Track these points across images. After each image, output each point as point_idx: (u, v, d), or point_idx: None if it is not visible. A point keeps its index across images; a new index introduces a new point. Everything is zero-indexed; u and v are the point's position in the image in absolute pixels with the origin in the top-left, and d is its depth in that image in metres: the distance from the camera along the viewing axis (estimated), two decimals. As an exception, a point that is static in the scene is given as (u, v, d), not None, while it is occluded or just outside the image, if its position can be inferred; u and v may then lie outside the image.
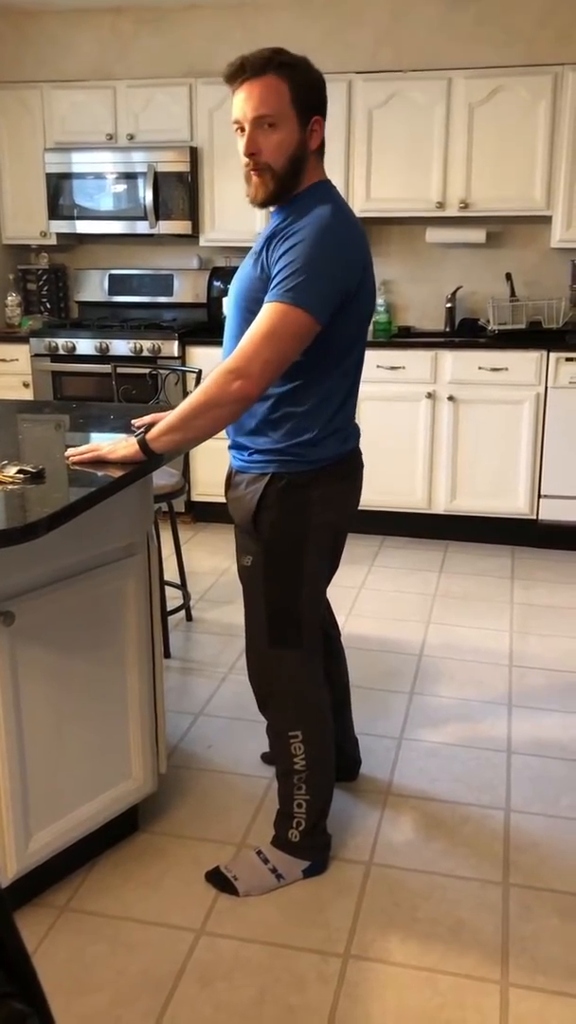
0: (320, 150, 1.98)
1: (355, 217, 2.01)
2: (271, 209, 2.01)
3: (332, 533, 2.15)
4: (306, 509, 2.04)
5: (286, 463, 2.01)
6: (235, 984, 1.88)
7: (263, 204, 1.98)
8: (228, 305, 2.09)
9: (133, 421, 2.29)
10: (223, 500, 2.20)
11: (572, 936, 2.02)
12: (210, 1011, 1.82)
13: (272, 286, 1.88)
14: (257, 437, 2.03)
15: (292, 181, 1.94)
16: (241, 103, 1.90)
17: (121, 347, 4.79)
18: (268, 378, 1.87)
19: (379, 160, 4.63)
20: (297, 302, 1.83)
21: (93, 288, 5.36)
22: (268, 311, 1.86)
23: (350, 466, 2.14)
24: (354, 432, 2.15)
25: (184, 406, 1.91)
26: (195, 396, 1.90)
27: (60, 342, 4.86)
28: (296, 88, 1.89)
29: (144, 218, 4.91)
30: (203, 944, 1.99)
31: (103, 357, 4.75)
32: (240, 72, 1.89)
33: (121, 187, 4.92)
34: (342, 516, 2.16)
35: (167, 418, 1.94)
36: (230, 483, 2.15)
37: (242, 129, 1.92)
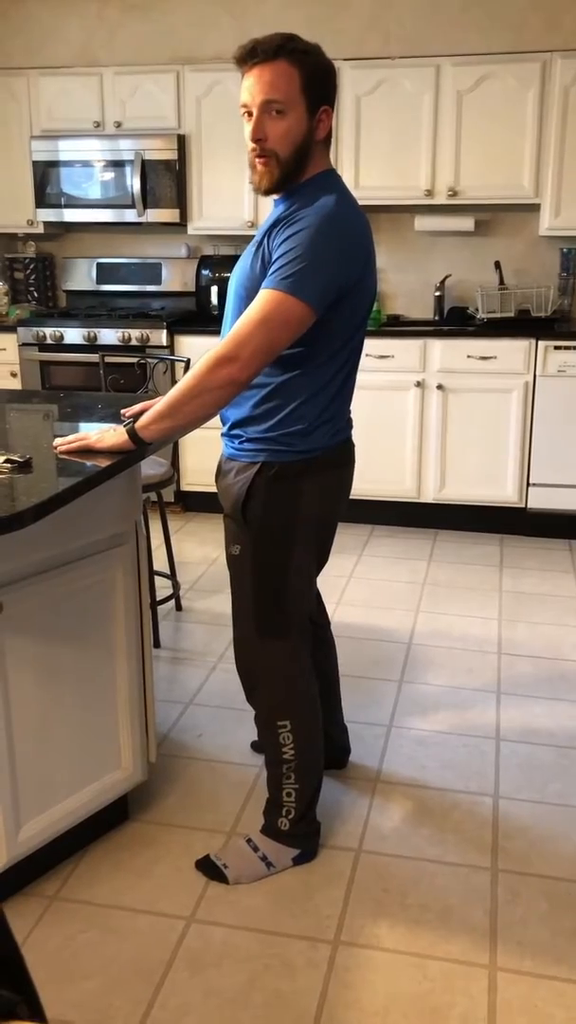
0: (327, 140, 1.96)
1: (359, 208, 1.98)
2: (274, 197, 1.99)
3: (321, 524, 2.14)
4: (295, 499, 2.03)
5: (277, 452, 2.00)
6: (225, 971, 1.89)
7: (267, 192, 1.95)
8: (228, 293, 2.07)
9: (123, 410, 2.28)
10: (213, 490, 2.19)
11: (559, 921, 2.04)
12: (200, 998, 1.83)
13: (270, 272, 1.85)
14: (249, 425, 2.02)
15: (296, 170, 1.91)
16: (250, 87, 1.86)
17: (109, 336, 4.77)
18: (258, 364, 1.85)
19: (367, 148, 4.62)
20: (293, 290, 1.81)
21: (81, 277, 5.33)
22: (264, 297, 1.84)
23: (341, 457, 2.13)
24: (346, 424, 2.14)
25: (173, 393, 1.90)
26: (184, 382, 1.88)
27: (48, 331, 4.83)
28: (307, 76, 1.85)
29: (132, 206, 4.88)
30: (193, 932, 2.00)
31: (91, 346, 4.73)
32: (251, 55, 1.85)
33: (108, 175, 4.89)
34: (332, 507, 2.15)
35: (156, 406, 1.93)
36: (220, 471, 2.14)
37: (249, 114, 1.88)
